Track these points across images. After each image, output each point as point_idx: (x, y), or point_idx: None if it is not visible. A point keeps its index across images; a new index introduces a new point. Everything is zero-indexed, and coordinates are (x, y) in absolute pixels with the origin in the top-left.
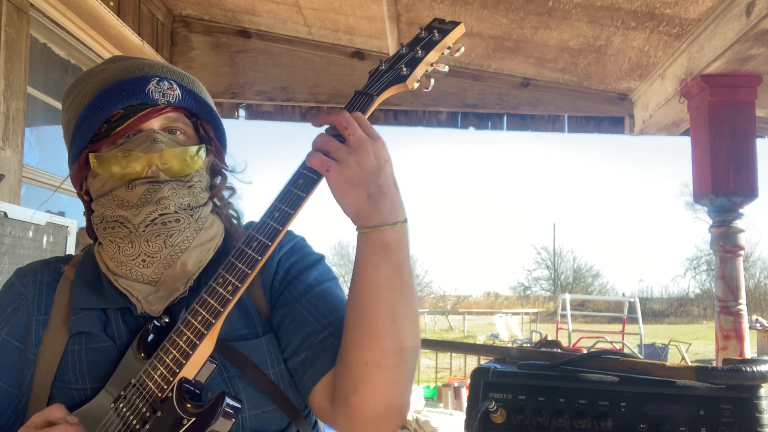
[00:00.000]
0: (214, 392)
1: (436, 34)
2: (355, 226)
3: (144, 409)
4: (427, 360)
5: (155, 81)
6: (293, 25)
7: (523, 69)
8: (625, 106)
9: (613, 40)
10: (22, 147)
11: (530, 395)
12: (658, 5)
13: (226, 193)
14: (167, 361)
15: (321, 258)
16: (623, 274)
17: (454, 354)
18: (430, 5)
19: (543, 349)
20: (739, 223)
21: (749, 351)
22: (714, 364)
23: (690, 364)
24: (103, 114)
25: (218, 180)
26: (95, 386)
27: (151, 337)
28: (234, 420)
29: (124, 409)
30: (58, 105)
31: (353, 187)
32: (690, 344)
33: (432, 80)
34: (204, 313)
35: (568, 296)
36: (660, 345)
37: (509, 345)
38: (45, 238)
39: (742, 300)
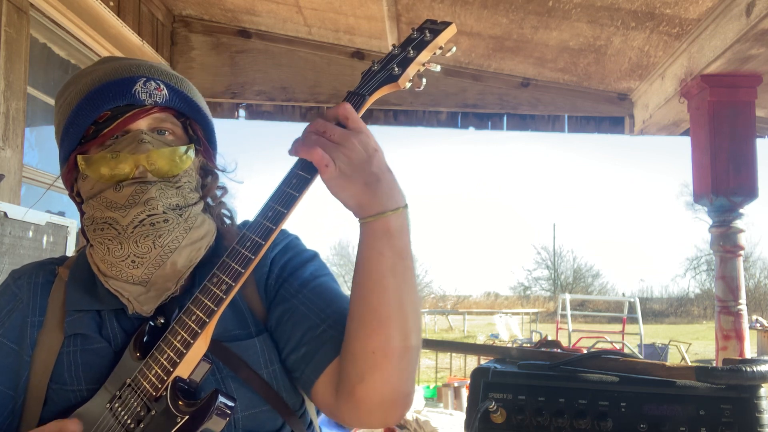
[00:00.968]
0: (207, 392)
1: (428, 35)
2: (358, 219)
3: (138, 408)
4: (427, 360)
5: (142, 81)
6: (293, 25)
7: (523, 69)
8: (625, 106)
9: (613, 40)
10: (22, 147)
11: (530, 395)
12: (658, 5)
13: (218, 193)
14: (162, 360)
15: (315, 254)
16: (623, 274)
17: (454, 354)
18: (430, 5)
19: (543, 349)
20: (739, 223)
21: (749, 351)
22: (714, 364)
23: (690, 364)
24: (89, 116)
25: (209, 179)
26: (91, 387)
27: (146, 337)
28: (227, 418)
29: (119, 409)
30: None
31: (348, 179)
32: (690, 344)
33: (424, 80)
34: (198, 312)
35: (568, 296)
36: (660, 345)
37: (509, 345)
38: (45, 238)
39: (742, 300)
